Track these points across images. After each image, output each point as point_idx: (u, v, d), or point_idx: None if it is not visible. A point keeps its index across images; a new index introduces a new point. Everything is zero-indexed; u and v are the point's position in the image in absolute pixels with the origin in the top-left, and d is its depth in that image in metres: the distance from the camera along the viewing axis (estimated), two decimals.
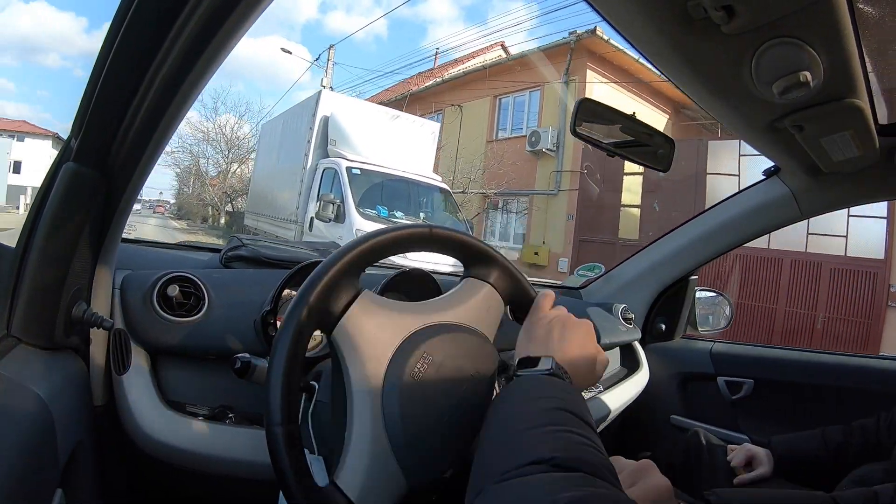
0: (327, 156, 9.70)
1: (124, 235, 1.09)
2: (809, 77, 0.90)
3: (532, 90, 15.39)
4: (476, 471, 0.68)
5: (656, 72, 1.05)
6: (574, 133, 1.33)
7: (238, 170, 30.16)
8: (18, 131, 39.34)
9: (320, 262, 0.84)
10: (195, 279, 1.14)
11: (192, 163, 31.39)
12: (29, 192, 30.97)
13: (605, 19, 0.89)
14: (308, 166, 9.99)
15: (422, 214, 9.36)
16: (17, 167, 36.38)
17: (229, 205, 30.97)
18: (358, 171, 9.00)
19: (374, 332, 0.83)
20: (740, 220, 1.81)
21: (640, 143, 1.41)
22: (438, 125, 11.50)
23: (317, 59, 19.85)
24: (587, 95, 13.09)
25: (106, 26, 0.72)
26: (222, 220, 29.54)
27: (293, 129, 11.40)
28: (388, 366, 0.82)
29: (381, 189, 9.17)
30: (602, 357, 0.93)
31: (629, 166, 11.93)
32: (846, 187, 1.52)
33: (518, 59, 15.50)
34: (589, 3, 0.86)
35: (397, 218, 8.72)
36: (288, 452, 0.74)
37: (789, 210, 1.67)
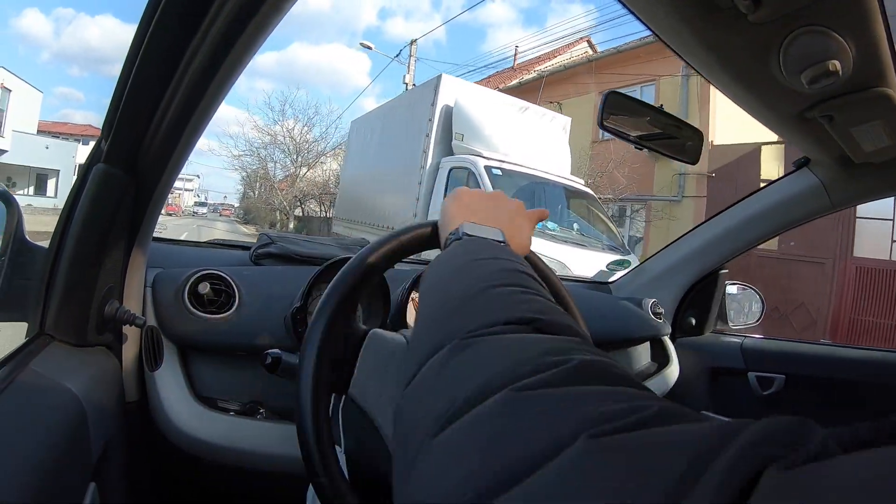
0: (451, 152, 8.08)
1: (155, 234, 1.11)
2: (838, 66, 0.89)
3: (644, 85, 13.61)
4: (422, 335, 0.51)
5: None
6: (601, 126, 1.34)
7: (307, 173, 29.42)
8: (83, 135, 38.43)
9: (349, 258, 0.85)
10: (226, 276, 1.16)
11: (260, 166, 30.65)
12: None
13: (628, 9, 0.89)
14: (428, 165, 8.16)
15: (575, 226, 7.56)
16: None
17: (298, 209, 30.34)
18: (499, 172, 7.24)
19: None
20: (771, 213, 1.79)
21: (668, 135, 1.41)
22: (569, 119, 9.74)
23: (397, 55, 19.14)
24: (710, 90, 12.35)
25: None
26: (291, 225, 28.95)
27: (402, 122, 9.62)
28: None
29: (524, 194, 7.19)
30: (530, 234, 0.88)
31: (766, 172, 10.91)
32: (878, 177, 1.49)
33: (630, 52, 13.88)
34: None
35: (550, 230, 6.89)
36: (318, 450, 0.75)
37: (820, 201, 1.64)
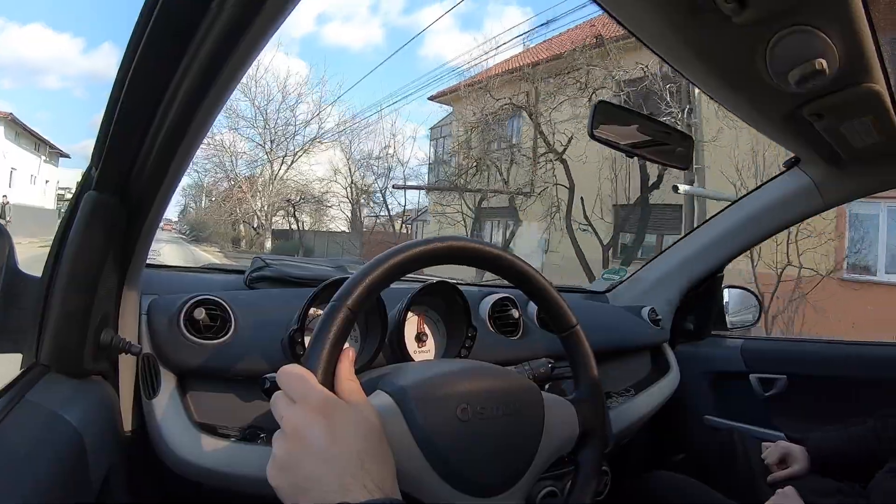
0: None
1: (149, 261, 1.11)
2: (825, 64, 0.89)
3: None
4: None
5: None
6: (592, 136, 1.34)
7: (286, 173, 21.60)
8: None
9: (345, 279, 0.85)
10: (221, 301, 1.15)
11: (217, 163, 22.46)
12: None
13: (609, 14, 0.89)
14: None
15: None
16: None
17: (289, 218, 23.34)
18: None
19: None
20: (764, 214, 1.80)
21: (658, 142, 1.42)
22: None
23: None
24: None
25: (103, 46, 0.72)
26: (268, 244, 21.83)
27: None
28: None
29: None
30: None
31: None
32: (869, 174, 1.50)
33: None
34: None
35: None
36: None
37: (812, 200, 1.65)
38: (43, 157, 32.85)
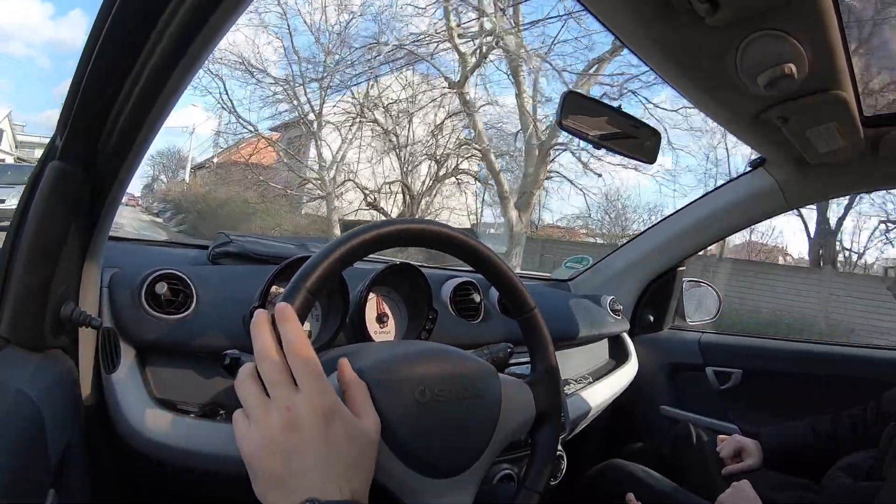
0: None
1: (111, 233, 1.08)
2: (794, 69, 0.91)
3: None
4: None
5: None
6: (560, 126, 1.34)
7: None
8: None
9: (308, 257, 0.84)
10: (183, 276, 1.13)
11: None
12: None
13: (585, 8, 0.89)
14: None
15: None
16: None
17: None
18: None
19: None
20: (727, 211, 1.83)
21: (626, 134, 1.41)
22: None
23: None
24: None
25: (72, 13, 0.68)
26: None
27: None
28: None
29: None
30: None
31: None
32: (832, 178, 1.53)
33: None
34: None
35: None
36: None
37: (775, 201, 1.68)
38: None
